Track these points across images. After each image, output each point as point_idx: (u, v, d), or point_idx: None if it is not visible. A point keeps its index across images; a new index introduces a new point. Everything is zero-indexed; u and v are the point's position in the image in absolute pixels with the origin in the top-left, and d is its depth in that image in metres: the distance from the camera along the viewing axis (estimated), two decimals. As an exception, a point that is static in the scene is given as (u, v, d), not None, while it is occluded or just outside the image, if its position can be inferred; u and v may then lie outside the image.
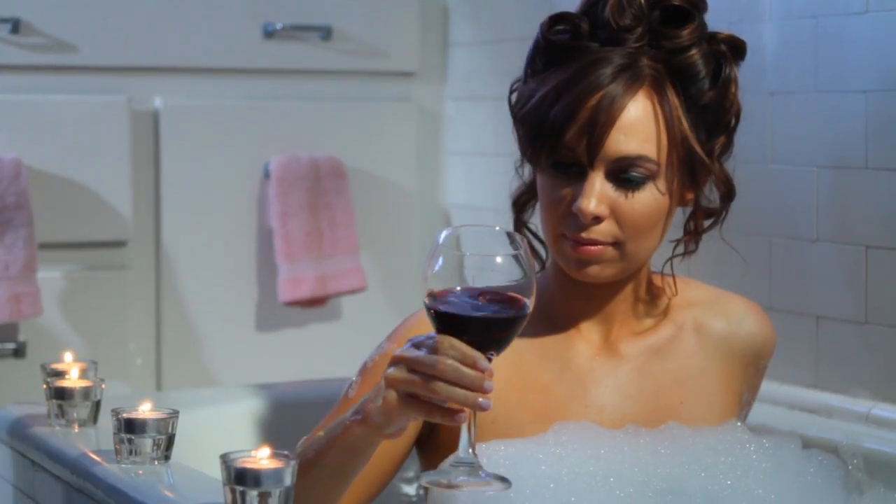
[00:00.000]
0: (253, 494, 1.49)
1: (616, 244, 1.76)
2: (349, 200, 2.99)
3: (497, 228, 1.56)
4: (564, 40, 1.78)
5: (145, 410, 1.79)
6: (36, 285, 2.71)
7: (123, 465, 1.78)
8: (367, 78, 3.08)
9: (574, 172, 1.74)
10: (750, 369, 1.92)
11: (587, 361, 1.84)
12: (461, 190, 3.14)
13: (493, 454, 1.71)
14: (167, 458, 1.80)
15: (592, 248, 1.74)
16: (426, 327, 1.58)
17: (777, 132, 2.37)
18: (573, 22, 1.78)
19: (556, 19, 1.79)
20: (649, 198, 1.75)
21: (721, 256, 2.44)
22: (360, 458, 1.64)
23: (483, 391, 1.51)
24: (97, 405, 2.01)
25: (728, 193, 1.84)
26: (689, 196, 1.80)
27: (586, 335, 1.85)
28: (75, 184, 2.80)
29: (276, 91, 3.01)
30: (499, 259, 1.54)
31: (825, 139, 2.29)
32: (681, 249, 1.85)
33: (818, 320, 2.31)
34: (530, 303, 1.53)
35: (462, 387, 1.51)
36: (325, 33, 3.00)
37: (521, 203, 1.89)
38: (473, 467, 1.55)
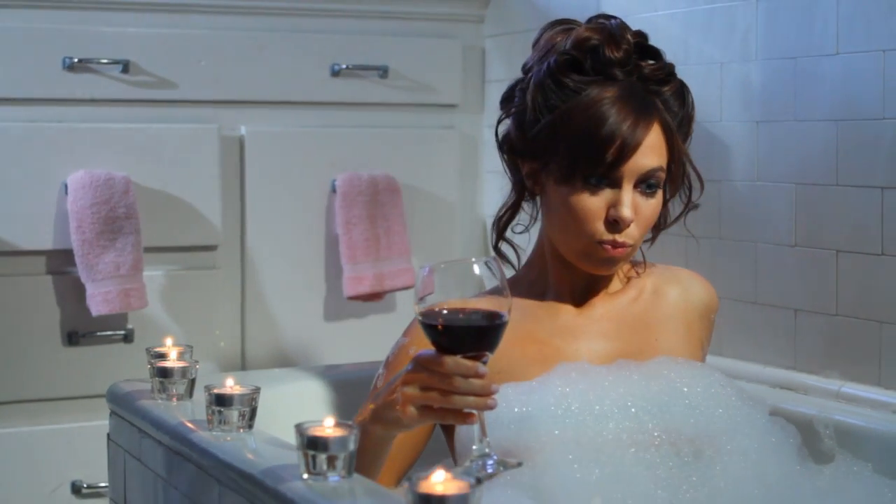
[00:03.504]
0: (322, 458, 1.49)
1: (634, 245, 1.78)
2: (402, 211, 2.96)
3: (472, 259, 1.56)
4: (577, 79, 1.77)
5: (232, 387, 1.78)
6: (142, 282, 2.69)
7: (214, 433, 1.77)
8: (417, 109, 3.05)
9: (604, 185, 1.75)
10: (704, 321, 1.92)
11: (572, 318, 1.86)
12: (496, 203, 3.02)
13: (507, 396, 1.71)
14: (251, 426, 1.78)
15: (623, 249, 1.76)
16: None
17: (762, 154, 2.34)
18: (579, 61, 1.78)
19: (569, 62, 1.78)
20: (658, 202, 1.78)
21: (714, 259, 2.42)
22: (384, 447, 1.68)
23: (491, 394, 1.53)
24: (192, 382, 1.99)
25: (701, 186, 1.87)
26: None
27: (570, 301, 1.87)
28: (175, 198, 2.79)
29: (341, 120, 2.98)
30: (476, 269, 1.55)
31: (801, 160, 2.26)
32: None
33: (796, 313, 2.28)
34: (508, 309, 1.53)
35: (472, 395, 1.53)
36: (383, 72, 2.98)
37: (504, 221, 1.90)
38: (488, 455, 1.55)
